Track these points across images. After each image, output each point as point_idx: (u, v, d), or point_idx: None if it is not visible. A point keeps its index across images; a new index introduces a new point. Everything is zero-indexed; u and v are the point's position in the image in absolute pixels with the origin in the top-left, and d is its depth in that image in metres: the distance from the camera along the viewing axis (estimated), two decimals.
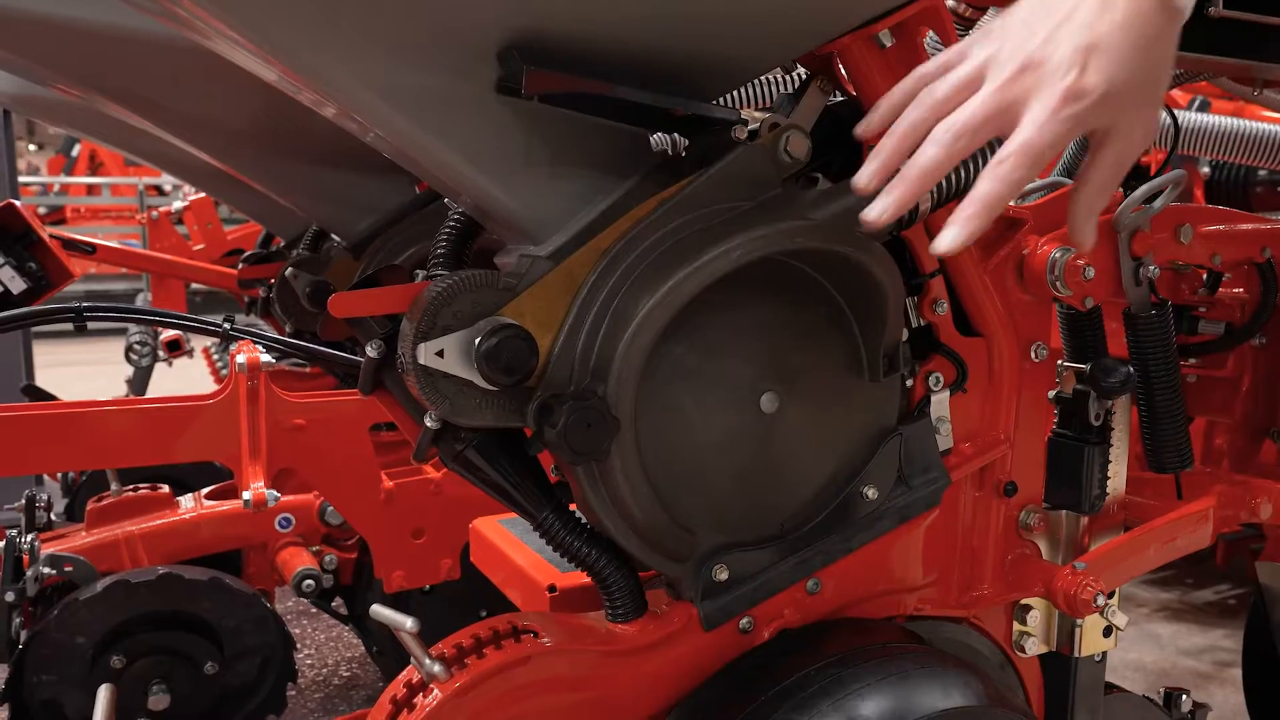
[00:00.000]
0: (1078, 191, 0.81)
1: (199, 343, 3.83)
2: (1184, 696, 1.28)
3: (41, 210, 10.12)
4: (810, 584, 0.95)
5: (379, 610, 0.86)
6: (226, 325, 1.48)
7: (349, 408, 1.52)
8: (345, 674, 2.13)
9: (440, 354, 0.78)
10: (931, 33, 0.94)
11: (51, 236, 2.01)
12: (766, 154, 0.89)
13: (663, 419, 0.86)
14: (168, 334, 3.44)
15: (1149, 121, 0.77)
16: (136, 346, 3.57)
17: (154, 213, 3.68)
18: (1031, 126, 0.70)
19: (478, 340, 0.77)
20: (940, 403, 1.02)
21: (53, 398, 2.49)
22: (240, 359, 1.44)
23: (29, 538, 1.50)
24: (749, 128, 0.92)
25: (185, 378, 4.30)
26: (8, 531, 1.55)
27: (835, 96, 0.97)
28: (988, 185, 0.72)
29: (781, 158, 0.89)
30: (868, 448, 0.97)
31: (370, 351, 0.89)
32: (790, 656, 0.90)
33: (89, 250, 2.48)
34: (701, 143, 0.90)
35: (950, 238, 0.73)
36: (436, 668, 0.84)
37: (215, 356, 3.99)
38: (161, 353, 3.55)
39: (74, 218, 10.40)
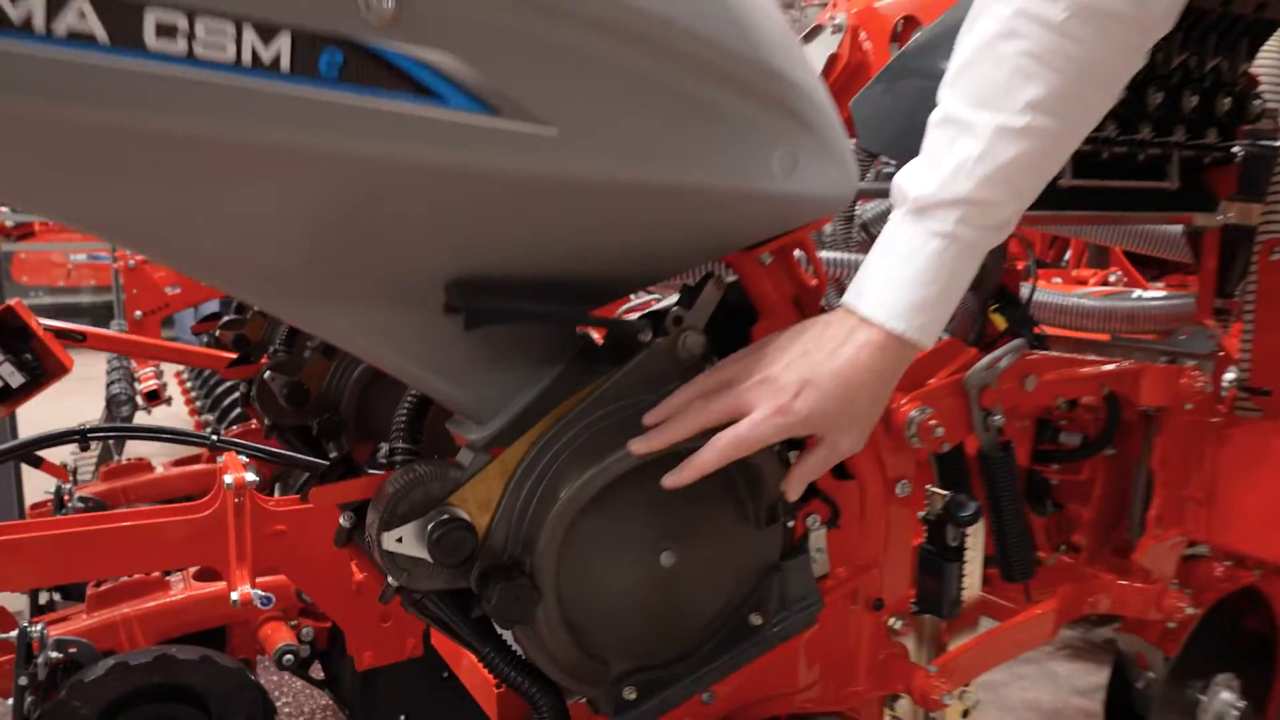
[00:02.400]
0: (795, 467, 1.08)
1: (175, 388, 3.99)
2: None
3: (9, 224, 10.15)
4: (705, 696, 1.16)
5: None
6: (214, 438, 1.66)
7: (323, 513, 1.71)
8: None
9: (399, 540, 0.98)
10: (799, 251, 1.15)
11: (45, 329, 2.18)
12: (667, 352, 1.09)
13: (579, 578, 1.06)
14: (147, 384, 3.60)
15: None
16: (118, 394, 3.73)
17: (130, 261, 3.83)
18: (748, 424, 0.99)
19: (429, 528, 0.98)
20: (818, 538, 1.23)
21: (40, 462, 2.64)
22: (227, 479, 1.63)
23: (38, 626, 1.69)
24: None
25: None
26: (20, 622, 1.73)
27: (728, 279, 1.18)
28: (706, 454, 1.00)
29: (680, 354, 1.09)
30: (754, 582, 1.17)
31: (343, 522, 1.09)
32: None
33: (79, 339, 2.64)
34: (614, 340, 1.10)
35: (670, 480, 1.01)
36: None
37: (191, 389, 4.15)
38: (140, 401, 3.72)
39: (43, 231, 10.44)
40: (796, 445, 1.22)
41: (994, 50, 0.98)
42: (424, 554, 0.98)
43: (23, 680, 1.65)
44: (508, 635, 1.12)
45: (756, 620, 1.17)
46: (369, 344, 1.01)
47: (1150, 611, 1.52)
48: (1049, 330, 2.13)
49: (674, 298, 1.12)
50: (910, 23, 2.14)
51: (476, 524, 1.01)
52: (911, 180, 1.00)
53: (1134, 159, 1.53)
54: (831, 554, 1.25)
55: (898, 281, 0.98)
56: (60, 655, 1.69)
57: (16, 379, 2.07)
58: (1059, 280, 3.03)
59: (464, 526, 0.98)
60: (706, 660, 1.15)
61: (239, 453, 1.69)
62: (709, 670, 1.15)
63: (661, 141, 0.92)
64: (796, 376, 1.00)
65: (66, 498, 2.45)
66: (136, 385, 3.68)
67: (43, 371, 2.11)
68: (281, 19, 0.73)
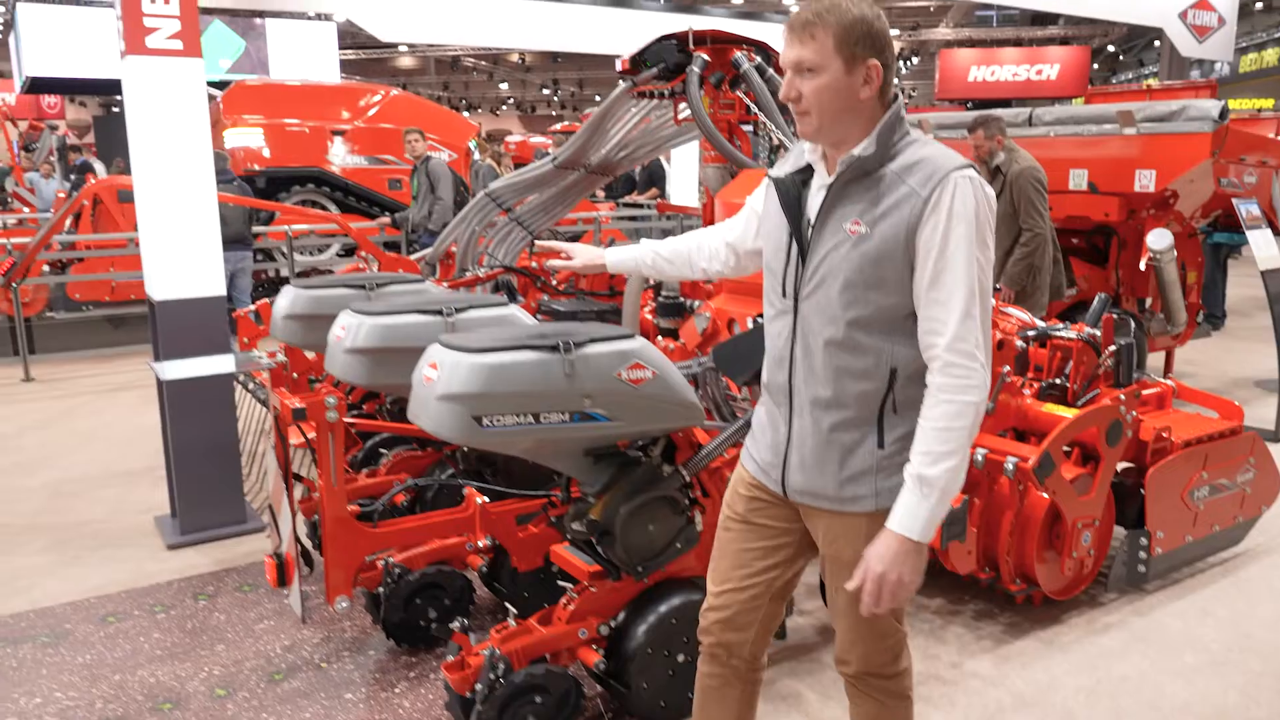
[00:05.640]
0: None
1: None
2: None
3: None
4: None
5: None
6: (449, 477, 4.09)
7: (505, 515, 4.15)
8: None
9: (576, 526, 3.45)
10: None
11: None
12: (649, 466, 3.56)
13: (628, 530, 3.55)
14: None
15: None
16: None
17: None
18: None
19: (584, 521, 3.45)
20: (698, 518, 3.73)
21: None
22: (477, 502, 4.05)
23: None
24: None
25: None
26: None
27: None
28: None
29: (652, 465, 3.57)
30: (676, 534, 3.65)
31: (552, 517, 3.56)
32: (654, 589, 3.63)
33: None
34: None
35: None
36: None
37: None
38: None
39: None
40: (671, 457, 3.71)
41: None
42: (581, 529, 3.45)
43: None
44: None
45: (678, 546, 3.66)
46: (556, 465, 3.47)
47: None
48: None
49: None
50: None
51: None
52: None
53: None
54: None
55: None
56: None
57: None
58: None
59: (593, 522, 3.46)
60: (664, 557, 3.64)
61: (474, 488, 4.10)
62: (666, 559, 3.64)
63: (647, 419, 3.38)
64: None
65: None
66: None
67: None
68: (578, 408, 3.18)
